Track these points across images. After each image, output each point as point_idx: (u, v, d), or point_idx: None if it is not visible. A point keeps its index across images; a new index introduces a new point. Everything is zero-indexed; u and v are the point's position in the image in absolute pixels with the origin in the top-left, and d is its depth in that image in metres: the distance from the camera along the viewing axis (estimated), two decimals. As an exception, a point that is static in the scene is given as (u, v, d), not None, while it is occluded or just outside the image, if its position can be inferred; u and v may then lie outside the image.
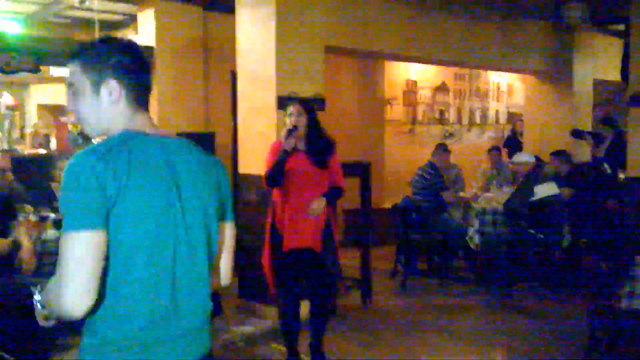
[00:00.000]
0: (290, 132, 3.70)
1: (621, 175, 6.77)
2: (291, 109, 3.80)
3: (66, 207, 1.36)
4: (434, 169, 6.36)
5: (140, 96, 1.54)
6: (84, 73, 1.49)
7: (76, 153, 1.39)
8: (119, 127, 1.51)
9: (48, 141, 5.56)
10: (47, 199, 4.58)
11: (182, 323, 1.49)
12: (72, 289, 1.32)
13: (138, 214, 1.41)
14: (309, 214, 3.71)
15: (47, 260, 3.97)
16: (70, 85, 1.53)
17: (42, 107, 8.27)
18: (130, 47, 1.54)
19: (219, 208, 1.64)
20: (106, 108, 1.50)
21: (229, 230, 1.72)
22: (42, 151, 5.41)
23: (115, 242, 1.38)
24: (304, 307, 3.98)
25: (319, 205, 3.72)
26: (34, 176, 4.97)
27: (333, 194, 3.88)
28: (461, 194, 6.88)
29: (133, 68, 1.52)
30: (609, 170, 6.66)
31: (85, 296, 1.33)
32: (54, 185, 4.90)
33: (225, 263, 1.72)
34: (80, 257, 1.33)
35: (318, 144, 3.82)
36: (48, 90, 8.24)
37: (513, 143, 9.17)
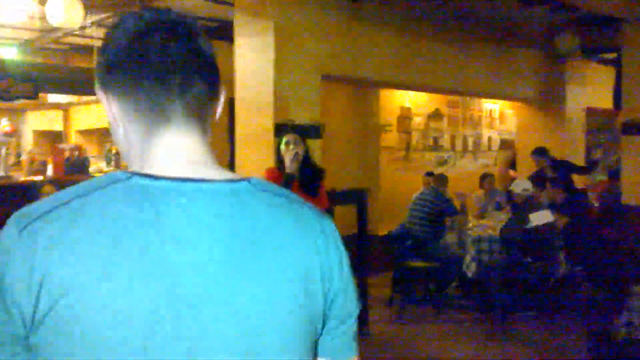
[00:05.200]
0: (295, 157, 3.81)
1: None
2: (287, 137, 3.89)
3: None
4: (438, 195, 6.36)
5: (154, 105, 0.83)
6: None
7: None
8: (134, 165, 0.86)
9: (45, 167, 5.54)
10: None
11: None
12: None
13: (67, 348, 0.71)
14: None
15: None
16: None
17: (38, 133, 8.27)
18: (125, 25, 0.84)
19: (314, 330, 0.85)
20: (116, 135, 0.89)
21: None
22: (38, 178, 5.39)
23: None
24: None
25: None
26: (21, 204, 4.92)
27: None
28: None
29: (125, 60, 0.82)
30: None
31: None
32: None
33: None
34: None
35: (310, 173, 3.92)
36: (44, 116, 8.25)
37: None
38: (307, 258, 0.83)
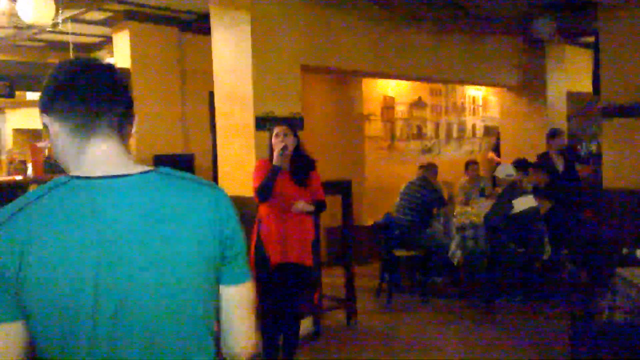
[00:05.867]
0: (283, 150, 3.84)
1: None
2: (277, 129, 3.89)
3: None
4: (428, 185, 6.33)
5: (84, 124, 1.19)
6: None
7: None
8: (72, 168, 1.23)
9: (25, 167, 5.47)
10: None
11: None
12: None
13: (42, 295, 1.09)
14: (294, 209, 3.87)
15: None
16: None
17: (18, 132, 8.17)
18: (58, 67, 1.23)
19: (214, 266, 1.23)
20: (56, 149, 1.25)
21: (242, 295, 1.31)
22: (18, 178, 5.32)
23: (30, 332, 1.13)
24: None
25: (304, 206, 3.89)
26: (2, 204, 4.86)
27: (317, 209, 4.06)
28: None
29: (62, 90, 1.20)
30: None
31: None
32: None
33: (239, 335, 1.32)
34: None
35: (301, 164, 3.95)
36: (24, 114, 8.14)
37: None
38: (202, 219, 1.21)
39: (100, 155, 1.21)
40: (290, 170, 3.95)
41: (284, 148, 3.84)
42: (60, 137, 1.21)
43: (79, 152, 1.21)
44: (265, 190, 3.83)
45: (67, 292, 1.09)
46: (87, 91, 1.20)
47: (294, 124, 4.17)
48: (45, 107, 1.21)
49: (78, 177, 1.17)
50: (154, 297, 1.15)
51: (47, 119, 1.22)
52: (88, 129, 1.20)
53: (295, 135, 3.95)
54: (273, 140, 3.92)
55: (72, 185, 1.15)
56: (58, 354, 1.12)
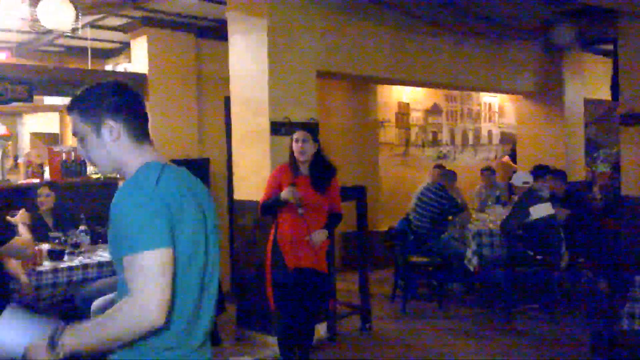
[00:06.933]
0: (302, 155, 3.89)
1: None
2: (297, 134, 3.90)
3: (141, 229, 1.53)
4: (443, 192, 6.28)
5: (140, 128, 1.70)
6: (83, 121, 1.67)
7: (126, 186, 1.60)
8: (132, 161, 1.67)
9: (42, 171, 5.51)
10: (40, 230, 4.50)
11: (202, 325, 1.68)
12: (157, 301, 1.49)
13: (188, 236, 1.61)
14: (311, 244, 3.85)
15: (45, 293, 3.88)
16: (75, 134, 1.73)
17: (36, 136, 8.24)
18: (120, 86, 1.71)
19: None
20: (111, 146, 1.67)
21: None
22: (35, 181, 5.36)
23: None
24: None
25: (320, 236, 3.88)
26: (26, 207, 4.90)
27: (333, 222, 4.06)
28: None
29: (126, 104, 1.68)
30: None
31: (167, 305, 1.50)
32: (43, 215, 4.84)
33: None
34: (162, 272, 1.51)
35: (321, 170, 3.94)
36: (41, 118, 8.21)
37: None
38: (211, 201, 1.79)
39: (153, 151, 1.72)
40: (310, 176, 3.93)
41: (304, 152, 3.87)
42: (120, 140, 1.67)
43: (141, 150, 1.69)
44: (267, 212, 3.99)
45: (196, 237, 1.64)
46: (141, 106, 1.74)
47: (309, 129, 4.17)
48: (115, 112, 1.66)
49: (167, 164, 1.68)
50: (214, 243, 1.73)
51: (112, 122, 1.65)
52: (144, 133, 1.72)
53: (316, 141, 3.94)
54: (293, 145, 3.93)
55: (173, 168, 1.69)
56: (179, 278, 1.57)
